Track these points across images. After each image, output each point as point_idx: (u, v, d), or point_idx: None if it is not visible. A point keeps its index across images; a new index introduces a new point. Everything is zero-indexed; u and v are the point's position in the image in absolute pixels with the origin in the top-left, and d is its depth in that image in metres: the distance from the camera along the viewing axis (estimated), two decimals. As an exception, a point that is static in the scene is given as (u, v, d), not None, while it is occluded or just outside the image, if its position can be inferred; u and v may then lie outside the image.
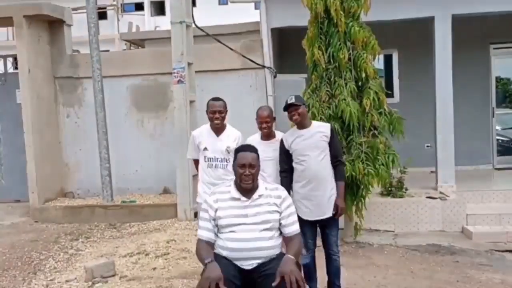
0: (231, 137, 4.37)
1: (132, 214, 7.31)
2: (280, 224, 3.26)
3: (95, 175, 7.77)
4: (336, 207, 4.16)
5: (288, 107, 4.15)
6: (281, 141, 4.27)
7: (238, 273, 3.13)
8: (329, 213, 4.15)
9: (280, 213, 3.25)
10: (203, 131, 4.47)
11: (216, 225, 3.25)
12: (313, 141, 4.14)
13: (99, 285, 4.76)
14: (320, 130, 4.20)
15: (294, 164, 4.22)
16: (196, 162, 4.50)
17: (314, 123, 4.33)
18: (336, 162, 4.22)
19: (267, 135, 4.33)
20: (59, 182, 8.28)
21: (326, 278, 4.34)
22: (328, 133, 4.18)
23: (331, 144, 4.19)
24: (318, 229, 4.30)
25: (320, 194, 4.13)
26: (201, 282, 2.95)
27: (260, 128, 4.30)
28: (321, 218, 4.17)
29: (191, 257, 5.45)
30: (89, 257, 5.69)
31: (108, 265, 4.99)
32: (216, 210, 3.24)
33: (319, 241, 4.35)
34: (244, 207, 3.23)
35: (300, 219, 4.10)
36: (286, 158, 4.23)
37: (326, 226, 4.22)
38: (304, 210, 4.15)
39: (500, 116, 9.58)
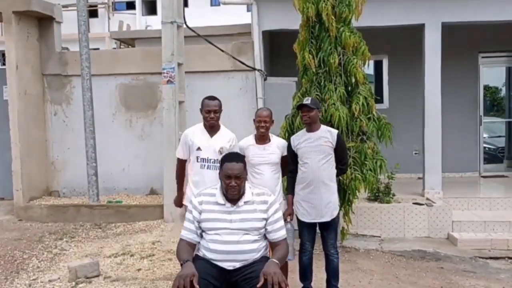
0: (225, 138, 4.28)
1: (118, 215, 7.25)
2: (266, 230, 3.24)
3: (82, 174, 7.70)
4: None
5: (301, 107, 4.24)
6: (289, 142, 4.37)
7: (219, 275, 3.12)
8: (326, 218, 4.22)
9: (267, 219, 3.23)
10: (196, 130, 4.34)
11: (200, 227, 3.23)
12: (316, 145, 4.21)
13: (82, 285, 4.71)
14: (326, 135, 4.25)
15: (298, 166, 4.30)
16: (182, 163, 4.39)
17: (323, 127, 4.36)
18: (337, 168, 4.34)
19: (263, 137, 4.30)
20: (44, 180, 8.19)
21: (325, 278, 4.44)
22: (333, 140, 4.24)
23: (336, 150, 4.27)
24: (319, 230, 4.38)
25: (317, 198, 4.19)
26: (175, 281, 2.94)
27: (258, 128, 4.26)
28: (318, 221, 4.26)
29: (176, 259, 5.41)
30: (73, 257, 5.64)
31: (92, 265, 4.94)
32: (200, 212, 3.22)
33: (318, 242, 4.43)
34: (229, 212, 3.20)
35: (299, 221, 4.30)
36: (292, 159, 4.33)
37: (324, 229, 4.31)
38: (302, 212, 4.26)
39: (487, 124, 9.69)
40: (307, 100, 4.28)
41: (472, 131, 9.28)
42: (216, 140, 4.25)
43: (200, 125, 4.36)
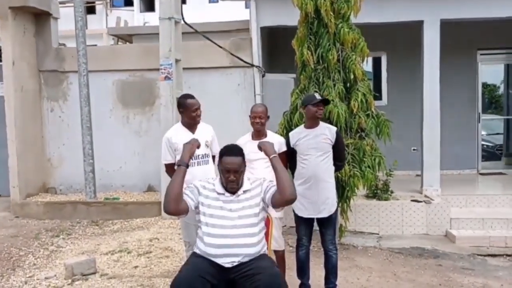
0: (206, 130, 4.29)
1: (115, 211, 7.22)
2: (264, 202, 3.27)
3: (78, 171, 7.65)
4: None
5: (317, 101, 4.24)
6: (287, 138, 4.38)
7: (217, 272, 3.09)
8: (324, 214, 4.23)
9: (263, 196, 3.27)
10: (178, 130, 4.28)
11: (199, 212, 3.25)
12: (315, 142, 4.22)
13: (79, 282, 4.68)
14: (325, 132, 4.27)
15: (297, 162, 4.30)
16: (171, 166, 4.16)
17: (322, 124, 4.37)
18: (334, 164, 4.34)
19: (259, 133, 4.28)
20: (41, 177, 8.15)
21: (323, 275, 4.43)
22: (332, 137, 4.26)
23: (335, 147, 4.28)
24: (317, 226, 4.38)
25: (315, 194, 4.20)
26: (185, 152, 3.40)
27: (253, 124, 4.26)
28: (315, 217, 4.27)
29: (174, 256, 5.40)
30: (70, 254, 5.61)
31: (89, 262, 4.91)
32: (199, 194, 3.26)
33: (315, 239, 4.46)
34: (229, 201, 3.23)
35: (296, 216, 4.32)
36: (290, 156, 4.32)
37: (322, 225, 4.32)
38: (299, 207, 4.27)
39: (486, 122, 9.69)
40: (319, 95, 4.34)
41: (471, 128, 9.27)
42: (199, 134, 4.19)
43: (179, 125, 4.33)
